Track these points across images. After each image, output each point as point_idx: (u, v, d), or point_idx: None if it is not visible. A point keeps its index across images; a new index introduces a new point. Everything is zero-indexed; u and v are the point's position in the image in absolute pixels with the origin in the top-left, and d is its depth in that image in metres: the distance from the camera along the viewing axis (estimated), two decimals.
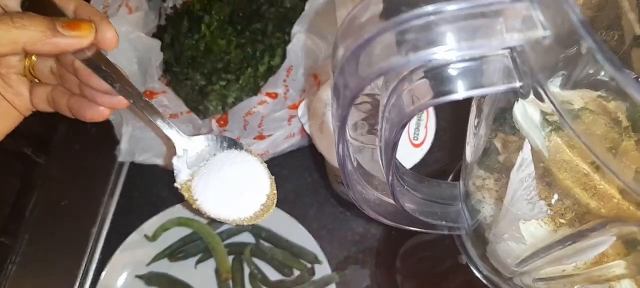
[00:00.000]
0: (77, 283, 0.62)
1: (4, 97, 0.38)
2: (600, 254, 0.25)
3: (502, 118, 0.23)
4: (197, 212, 0.41)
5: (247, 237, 0.62)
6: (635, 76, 0.16)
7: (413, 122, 0.52)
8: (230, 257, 0.61)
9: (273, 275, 0.60)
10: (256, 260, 0.61)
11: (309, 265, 0.59)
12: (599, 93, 0.39)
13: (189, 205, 0.41)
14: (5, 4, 0.35)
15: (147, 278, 0.60)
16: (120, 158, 0.62)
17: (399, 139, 0.22)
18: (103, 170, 0.69)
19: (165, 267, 0.61)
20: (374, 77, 0.19)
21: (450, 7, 0.17)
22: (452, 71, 0.19)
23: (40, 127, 0.71)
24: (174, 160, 0.41)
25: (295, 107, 0.59)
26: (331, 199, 0.65)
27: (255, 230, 0.62)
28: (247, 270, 0.60)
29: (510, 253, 0.28)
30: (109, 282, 0.60)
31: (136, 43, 0.63)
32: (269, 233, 0.61)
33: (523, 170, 0.21)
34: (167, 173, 0.63)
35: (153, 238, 0.62)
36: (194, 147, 0.41)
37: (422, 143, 0.51)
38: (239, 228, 0.62)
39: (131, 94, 0.36)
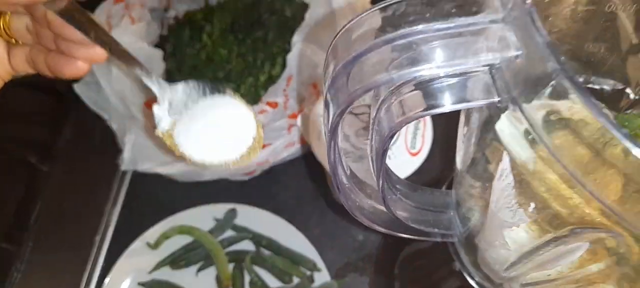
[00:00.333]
0: None
1: None
2: (583, 258, 0.26)
3: (489, 128, 0.24)
4: (182, 158, 0.39)
5: (247, 245, 0.63)
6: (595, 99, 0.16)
7: (410, 132, 0.53)
8: (231, 265, 0.62)
9: (273, 282, 0.61)
10: (256, 268, 0.61)
11: (308, 273, 0.60)
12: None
13: (172, 152, 0.39)
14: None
15: (149, 285, 0.61)
16: (123, 167, 0.63)
17: (388, 148, 0.23)
18: (106, 179, 0.70)
19: (167, 274, 0.62)
20: (361, 92, 0.20)
21: (435, 27, 0.18)
22: (438, 86, 0.20)
23: (44, 136, 0.72)
24: (155, 108, 0.39)
25: (295, 116, 0.60)
26: (332, 207, 0.66)
27: (256, 238, 0.62)
28: (247, 278, 0.61)
29: (498, 259, 0.29)
30: None
31: (139, 53, 0.64)
32: (270, 241, 0.62)
33: (503, 179, 0.22)
34: (169, 182, 0.65)
35: (155, 246, 0.62)
36: (175, 95, 0.39)
37: (419, 152, 0.52)
38: (240, 236, 0.63)
39: (107, 43, 0.35)
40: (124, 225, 0.67)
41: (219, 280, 0.61)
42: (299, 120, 0.58)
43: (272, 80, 0.65)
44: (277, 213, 0.63)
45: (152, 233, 0.63)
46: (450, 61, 0.18)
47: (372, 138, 0.24)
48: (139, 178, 0.68)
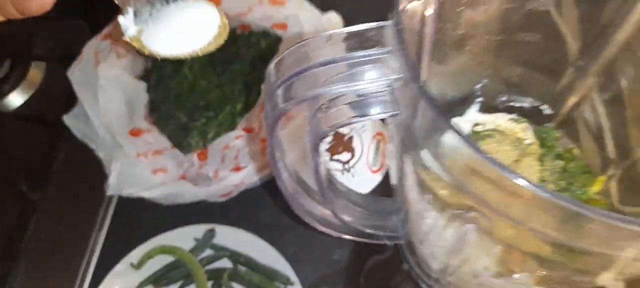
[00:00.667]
0: None
1: None
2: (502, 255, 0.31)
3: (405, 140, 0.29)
4: (151, 56, 0.41)
5: (225, 263, 0.67)
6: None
7: (372, 151, 0.58)
8: (210, 282, 0.65)
9: None
10: (234, 284, 0.65)
11: (282, 287, 0.64)
12: (511, 116, 0.46)
13: (142, 53, 0.41)
14: None
15: None
16: (109, 192, 0.67)
17: (319, 154, 0.28)
18: (93, 204, 0.74)
19: None
20: (290, 107, 0.25)
21: (342, 57, 0.24)
22: (351, 102, 0.25)
23: (35, 165, 0.76)
24: (120, 19, 0.40)
25: (264, 141, 0.65)
26: (307, 225, 0.70)
27: (234, 256, 0.66)
28: None
29: (430, 254, 0.33)
30: None
31: (124, 85, 0.70)
32: (247, 259, 0.66)
33: (409, 177, 0.27)
34: (152, 205, 0.69)
35: (138, 266, 0.66)
36: (138, 5, 0.41)
37: (379, 169, 0.57)
38: (218, 254, 0.67)
39: None
40: (110, 248, 0.71)
41: None
42: None
43: (248, 107, 0.70)
44: (253, 232, 0.67)
45: (136, 253, 0.67)
46: (353, 83, 0.23)
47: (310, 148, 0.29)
48: (124, 202, 0.72)
